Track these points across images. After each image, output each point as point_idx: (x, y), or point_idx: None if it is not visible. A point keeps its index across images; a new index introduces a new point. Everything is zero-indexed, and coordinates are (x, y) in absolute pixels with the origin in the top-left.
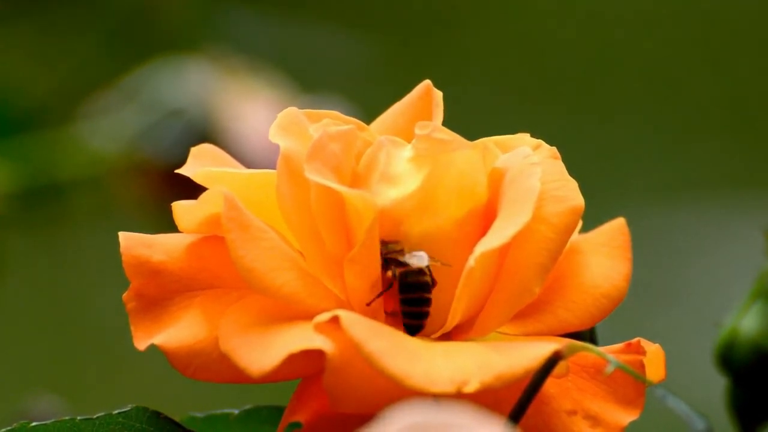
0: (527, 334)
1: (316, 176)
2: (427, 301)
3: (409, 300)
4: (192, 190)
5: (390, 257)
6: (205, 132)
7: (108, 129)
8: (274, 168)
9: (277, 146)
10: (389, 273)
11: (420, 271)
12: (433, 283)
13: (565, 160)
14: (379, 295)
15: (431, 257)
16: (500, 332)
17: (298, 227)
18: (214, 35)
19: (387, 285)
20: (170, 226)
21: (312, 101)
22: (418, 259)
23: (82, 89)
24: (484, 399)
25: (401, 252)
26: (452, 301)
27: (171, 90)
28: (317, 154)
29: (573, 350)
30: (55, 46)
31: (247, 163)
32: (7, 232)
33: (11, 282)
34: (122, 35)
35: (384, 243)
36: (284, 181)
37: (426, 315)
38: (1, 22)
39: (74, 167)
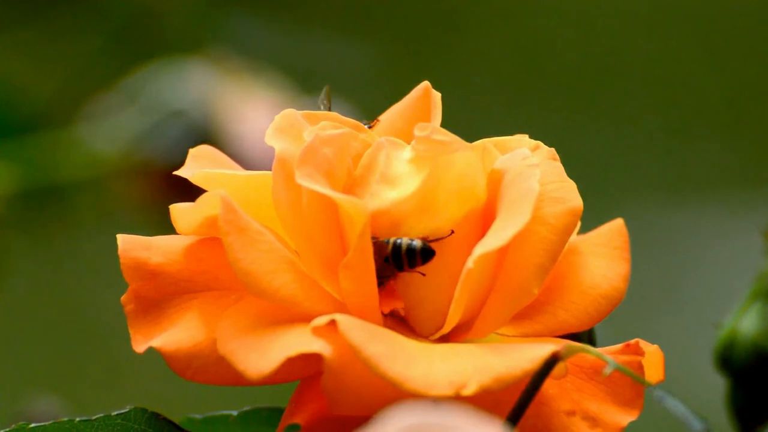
0: (526, 335)
1: (306, 181)
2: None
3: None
4: (193, 191)
5: (385, 265)
6: (205, 134)
7: (109, 131)
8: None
9: None
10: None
11: (400, 247)
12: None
13: (563, 161)
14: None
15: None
16: (499, 333)
17: (294, 230)
18: (215, 38)
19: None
20: (171, 228)
21: (312, 103)
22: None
23: (84, 91)
24: (483, 401)
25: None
26: (451, 303)
27: (172, 92)
28: (308, 159)
29: (571, 351)
30: (57, 48)
31: (248, 165)
32: (9, 233)
33: (12, 283)
34: (123, 37)
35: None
36: (279, 184)
37: (428, 250)
38: (2, 25)
39: (75, 169)
